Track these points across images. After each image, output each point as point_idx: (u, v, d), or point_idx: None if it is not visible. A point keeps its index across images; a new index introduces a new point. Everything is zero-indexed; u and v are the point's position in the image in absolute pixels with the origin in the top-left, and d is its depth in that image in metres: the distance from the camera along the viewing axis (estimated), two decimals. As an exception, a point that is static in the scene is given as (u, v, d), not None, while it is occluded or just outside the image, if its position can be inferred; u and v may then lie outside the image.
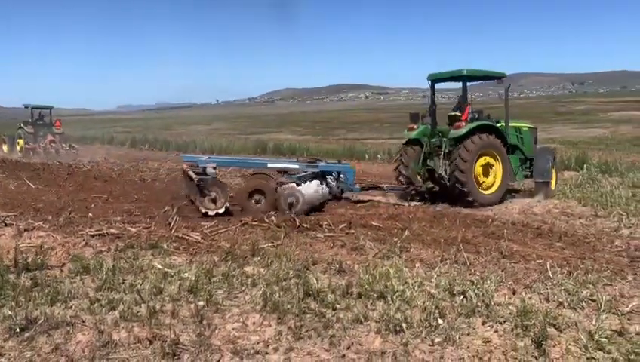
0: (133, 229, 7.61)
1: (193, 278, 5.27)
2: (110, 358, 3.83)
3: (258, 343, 4.03)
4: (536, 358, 3.75)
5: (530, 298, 4.82)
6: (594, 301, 4.73)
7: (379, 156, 20.07)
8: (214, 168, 9.25)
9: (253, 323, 4.40)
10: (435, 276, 5.33)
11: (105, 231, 7.36)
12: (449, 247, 6.59)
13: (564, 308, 4.65)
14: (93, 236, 7.18)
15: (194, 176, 9.22)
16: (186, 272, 5.57)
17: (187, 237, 7.22)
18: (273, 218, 8.19)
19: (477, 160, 9.87)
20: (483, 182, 10.03)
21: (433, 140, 10.59)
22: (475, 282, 5.15)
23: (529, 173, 10.97)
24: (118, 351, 3.92)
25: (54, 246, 6.58)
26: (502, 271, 5.70)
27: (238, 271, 5.66)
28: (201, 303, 4.76)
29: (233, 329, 4.31)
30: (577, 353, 3.81)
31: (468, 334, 4.14)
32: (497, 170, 10.15)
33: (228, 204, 8.82)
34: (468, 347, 3.93)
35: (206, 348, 3.93)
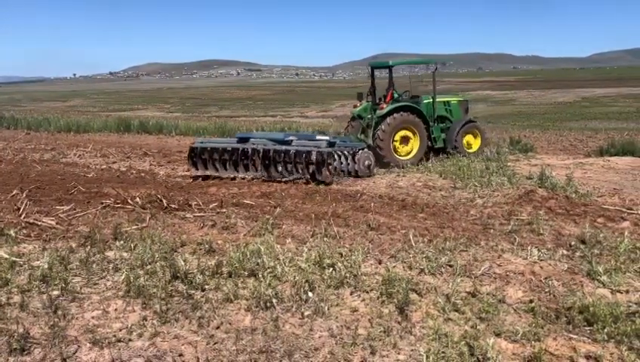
0: (-28, 216, 6.77)
1: (46, 266, 4.80)
2: (-56, 361, 3.37)
3: (120, 330, 3.78)
4: (399, 323, 3.94)
5: (394, 266, 5.05)
6: (451, 266, 5.08)
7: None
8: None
9: (115, 309, 4.12)
10: (306, 250, 5.38)
11: None
12: (320, 222, 6.69)
13: (425, 274, 4.94)
14: None
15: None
16: (37, 260, 5.09)
17: (39, 223, 6.58)
18: (138, 199, 7.75)
19: (397, 132, 12.04)
20: (400, 149, 12.22)
21: (368, 116, 12.63)
22: (344, 254, 5.30)
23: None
24: (-46, 353, 3.46)
25: None
26: (369, 242, 5.92)
27: (99, 257, 5.27)
28: (56, 292, 4.37)
29: (92, 317, 4.00)
30: (436, 315, 4.07)
31: (337, 305, 4.24)
32: (415, 141, 12.33)
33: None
34: (337, 317, 4.02)
35: (61, 339, 3.60)
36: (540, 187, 8.89)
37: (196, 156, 10.79)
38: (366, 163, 10.71)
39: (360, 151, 10.78)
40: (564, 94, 70.50)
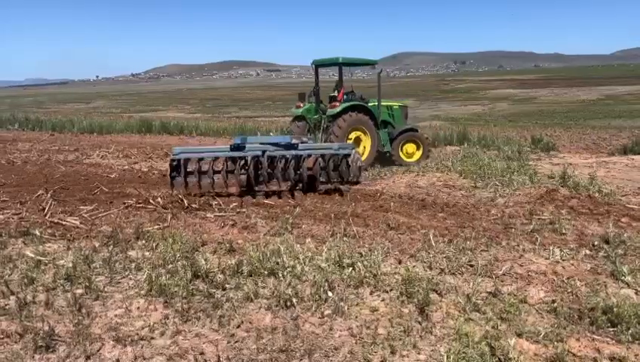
0: (0, 216, 6.92)
1: (70, 265, 4.89)
2: (-26, 356, 3.45)
3: (143, 328, 3.84)
4: (419, 323, 3.93)
5: (414, 266, 5.03)
6: (472, 266, 5.05)
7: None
8: None
9: (138, 308, 4.18)
10: (326, 250, 5.39)
11: (-35, 220, 6.62)
12: (339, 221, 6.69)
13: (445, 274, 4.91)
14: (-50, 226, 6.42)
15: None
16: (62, 259, 5.18)
17: (64, 223, 6.70)
18: (159, 199, 7.84)
19: (349, 133, 11.56)
20: None
21: (315, 117, 12.19)
22: (364, 254, 5.29)
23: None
24: (-17, 349, 3.54)
25: None
26: (389, 242, 5.90)
27: (121, 256, 5.35)
28: (80, 291, 4.44)
29: (115, 315, 4.06)
30: (456, 315, 4.04)
31: (357, 304, 4.23)
32: (366, 142, 11.84)
33: None
34: (356, 317, 4.02)
35: (85, 337, 3.66)
36: (562, 186, 8.78)
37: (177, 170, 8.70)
38: (358, 164, 9.33)
39: (353, 152, 9.38)
40: (587, 92, 69.47)
